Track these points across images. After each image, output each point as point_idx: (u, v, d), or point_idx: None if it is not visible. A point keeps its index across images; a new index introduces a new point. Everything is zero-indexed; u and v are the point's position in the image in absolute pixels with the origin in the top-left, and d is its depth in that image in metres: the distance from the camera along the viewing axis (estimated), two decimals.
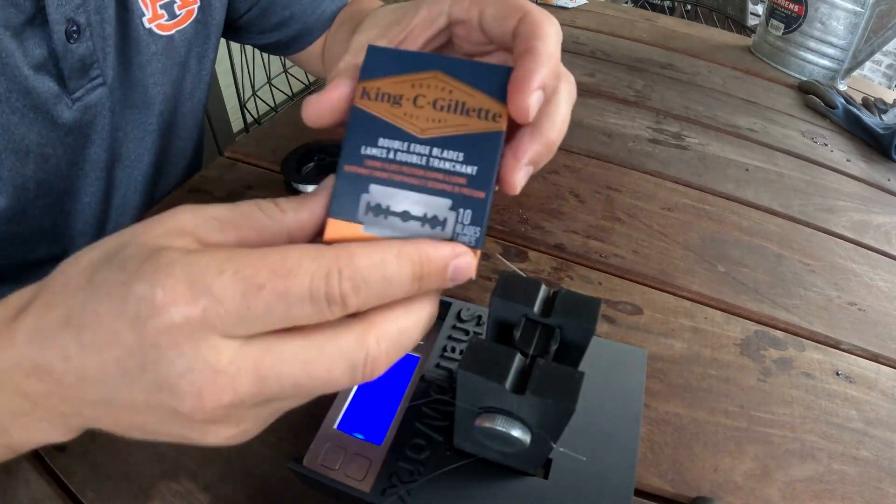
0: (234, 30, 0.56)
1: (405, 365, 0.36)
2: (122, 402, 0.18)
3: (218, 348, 0.17)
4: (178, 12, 0.45)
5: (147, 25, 0.42)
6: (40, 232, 0.45)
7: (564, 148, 0.66)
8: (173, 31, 0.45)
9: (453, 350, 0.36)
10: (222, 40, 0.58)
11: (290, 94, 1.50)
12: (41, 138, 0.39)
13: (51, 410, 0.20)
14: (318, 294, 0.17)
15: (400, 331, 0.19)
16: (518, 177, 0.21)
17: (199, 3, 0.46)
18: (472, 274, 0.20)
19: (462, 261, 0.19)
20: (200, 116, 0.57)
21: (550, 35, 0.21)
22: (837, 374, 0.43)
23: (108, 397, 0.18)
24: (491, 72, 0.20)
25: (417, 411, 0.33)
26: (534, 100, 0.20)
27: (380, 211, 0.20)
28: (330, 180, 0.21)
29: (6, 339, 0.19)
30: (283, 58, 1.21)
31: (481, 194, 0.20)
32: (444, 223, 0.20)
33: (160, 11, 0.43)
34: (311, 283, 0.17)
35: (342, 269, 0.17)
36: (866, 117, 0.77)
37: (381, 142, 0.20)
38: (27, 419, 0.20)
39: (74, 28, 0.36)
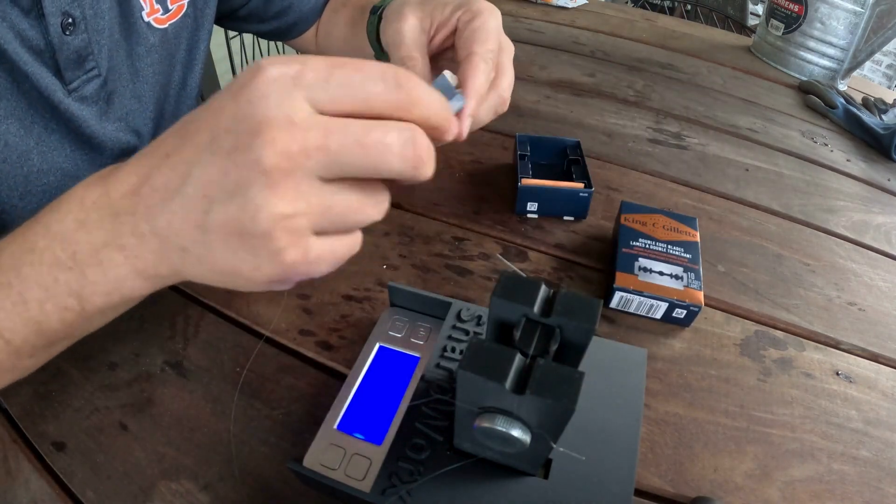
0: (235, 19, 0.60)
1: (405, 365, 0.36)
2: (202, 182, 0.22)
3: (299, 107, 0.21)
4: (170, 7, 0.47)
5: (146, 19, 0.45)
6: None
7: None
8: (167, 25, 0.47)
9: (453, 350, 0.36)
10: (223, 39, 0.58)
11: None
12: (44, 124, 0.40)
13: (132, 233, 0.23)
14: (388, 75, 0.22)
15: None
16: (466, 124, 0.29)
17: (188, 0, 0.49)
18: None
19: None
20: (194, 106, 0.58)
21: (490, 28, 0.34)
22: (837, 374, 0.43)
23: (186, 177, 0.22)
24: (684, 220, 0.49)
25: (417, 411, 0.33)
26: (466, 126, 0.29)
27: (646, 270, 0.45)
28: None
29: (111, 177, 0.24)
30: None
31: (696, 266, 0.45)
32: (681, 278, 0.44)
33: (156, 6, 0.46)
34: (382, 69, 0.22)
35: (409, 76, 0.22)
36: (866, 117, 0.77)
37: (639, 239, 0.46)
38: (107, 251, 0.24)
39: (70, 21, 0.38)
